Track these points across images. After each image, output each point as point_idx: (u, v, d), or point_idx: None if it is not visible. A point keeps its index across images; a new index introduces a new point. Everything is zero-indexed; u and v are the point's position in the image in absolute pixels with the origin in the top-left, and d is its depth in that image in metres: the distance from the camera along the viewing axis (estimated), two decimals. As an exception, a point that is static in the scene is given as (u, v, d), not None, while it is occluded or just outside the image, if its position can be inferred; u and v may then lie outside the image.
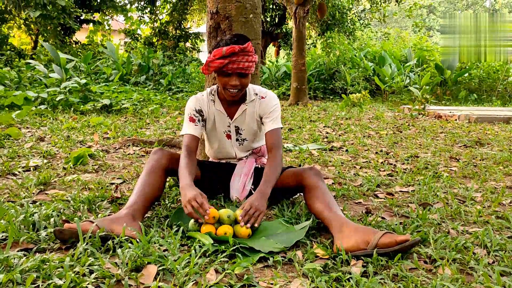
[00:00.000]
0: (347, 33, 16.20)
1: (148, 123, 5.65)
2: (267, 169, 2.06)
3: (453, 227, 1.98)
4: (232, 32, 2.63)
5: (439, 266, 1.53)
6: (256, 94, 2.24)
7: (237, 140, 2.30)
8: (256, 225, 1.81)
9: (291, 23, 16.58)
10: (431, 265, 1.57)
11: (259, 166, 2.36)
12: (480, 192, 2.66)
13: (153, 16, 15.91)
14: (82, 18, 14.22)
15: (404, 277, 1.44)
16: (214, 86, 2.27)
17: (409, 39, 15.82)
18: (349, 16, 16.57)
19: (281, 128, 2.23)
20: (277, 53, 19.41)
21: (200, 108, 2.22)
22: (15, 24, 13.87)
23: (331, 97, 11.94)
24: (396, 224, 1.93)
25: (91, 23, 14.86)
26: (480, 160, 3.72)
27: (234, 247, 1.61)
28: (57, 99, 6.37)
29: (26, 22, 13.34)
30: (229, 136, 2.29)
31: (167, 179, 2.27)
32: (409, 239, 1.56)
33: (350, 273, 1.45)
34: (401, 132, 5.47)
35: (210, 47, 2.81)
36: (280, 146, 2.16)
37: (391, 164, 3.51)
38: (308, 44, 16.70)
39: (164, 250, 1.59)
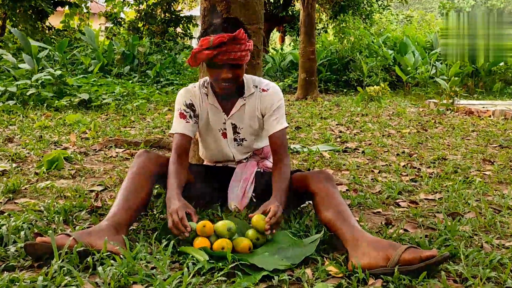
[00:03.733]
0: (363, 16, 16.20)
1: (133, 121, 5.66)
2: (276, 175, 2.09)
3: (487, 240, 1.97)
4: (230, 15, 2.64)
5: (471, 286, 1.53)
6: (256, 87, 2.23)
7: (235, 140, 2.29)
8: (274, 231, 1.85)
9: (298, 5, 16.58)
10: (462, 284, 1.57)
11: (261, 170, 2.36)
12: (519, 200, 2.66)
13: (139, -3, 15.92)
14: (56, 0, 14.24)
15: (431, 299, 1.44)
16: (207, 77, 2.26)
17: (435, 23, 15.80)
18: (366, -4, 16.58)
19: (287, 127, 2.22)
20: (282, 40, 19.43)
21: (191, 101, 2.22)
22: (-21, 7, 13.88)
23: (345, 90, 11.94)
24: (420, 238, 1.93)
25: (67, 6, 14.86)
26: (518, 162, 3.72)
27: (233, 264, 1.61)
28: (28, 93, 6.38)
29: (-8, 4, 13.36)
30: (225, 135, 2.28)
31: (155, 186, 2.26)
32: (436, 255, 1.56)
33: (367, 294, 1.45)
34: (426, 130, 5.47)
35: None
36: (287, 148, 2.18)
37: (415, 167, 3.51)
38: (318, 29, 16.70)
39: (152, 268, 1.59)
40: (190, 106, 2.21)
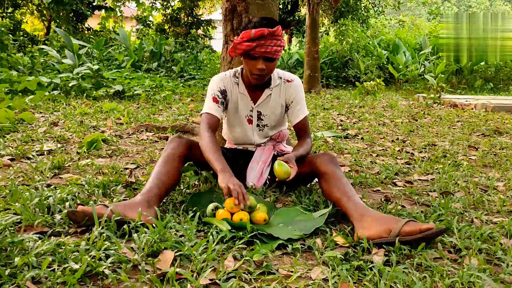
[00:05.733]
0: (361, 21, 15.94)
1: (161, 109, 5.62)
2: (299, 146, 2.13)
3: (477, 216, 1.91)
4: (248, 15, 2.57)
5: (465, 256, 1.47)
6: (280, 78, 2.18)
7: (257, 126, 2.24)
8: (292, 176, 1.90)
9: (304, 10, 16.37)
10: (456, 255, 1.51)
11: (276, 153, 2.31)
12: (502, 181, 2.59)
13: (165, 3, 15.79)
14: (94, 4, 14.17)
15: (429, 267, 1.39)
16: (238, 68, 2.21)
17: (424, 27, 15.53)
18: (363, 3, 16.29)
19: (308, 114, 2.22)
20: (289, 41, 19.21)
21: (225, 88, 2.17)
22: (28, 10, 13.86)
23: (344, 85, 11.80)
24: (417, 213, 1.88)
25: (103, 10, 14.80)
26: (499, 149, 3.62)
27: (252, 234, 1.57)
28: (70, 84, 6.36)
29: (39, 8, 13.34)
30: (250, 121, 2.23)
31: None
32: (433, 228, 1.51)
33: (372, 262, 1.41)
34: (416, 120, 5.37)
35: (225, 30, 2.75)
36: (310, 132, 2.20)
37: (408, 152, 3.43)
38: (321, 32, 16.47)
39: (181, 236, 1.55)
40: (223, 92, 2.16)
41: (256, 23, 1.96)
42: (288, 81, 2.18)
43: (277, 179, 1.95)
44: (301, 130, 2.20)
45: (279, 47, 1.96)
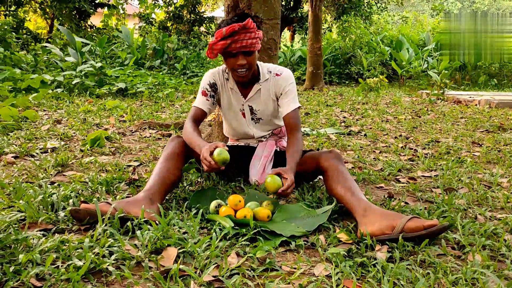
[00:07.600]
0: (364, 17, 15.88)
1: (164, 107, 5.63)
2: (290, 148, 2.03)
3: (481, 212, 1.91)
4: (251, 12, 2.56)
5: (468, 253, 1.47)
6: (270, 72, 2.18)
7: (252, 119, 2.25)
8: (286, 186, 1.79)
9: (306, 7, 16.33)
10: (460, 251, 1.51)
11: (279, 149, 2.31)
12: (506, 177, 2.58)
13: (168, 0, 15.78)
14: (96, 2, 14.18)
15: (432, 263, 1.39)
16: None
17: (427, 23, 15.46)
18: (366, -1, 16.23)
19: (299, 107, 2.16)
20: (292, 38, 19.17)
21: (215, 82, 2.19)
22: (31, 8, 13.91)
23: (347, 82, 11.77)
24: (420, 209, 1.87)
25: (106, 7, 14.82)
26: (503, 145, 3.61)
27: (255, 230, 1.57)
28: (73, 82, 6.37)
29: (42, 6, 13.38)
30: (244, 115, 2.25)
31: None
32: (437, 224, 1.50)
33: (375, 259, 1.40)
34: (419, 117, 5.35)
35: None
36: (300, 127, 2.12)
37: (412, 148, 3.43)
38: (323, 29, 16.42)
39: (184, 233, 1.55)
40: (213, 86, 2.19)
41: (227, 21, 1.99)
42: (277, 74, 2.17)
43: (268, 193, 1.89)
44: (290, 123, 2.11)
45: (255, 39, 1.97)
